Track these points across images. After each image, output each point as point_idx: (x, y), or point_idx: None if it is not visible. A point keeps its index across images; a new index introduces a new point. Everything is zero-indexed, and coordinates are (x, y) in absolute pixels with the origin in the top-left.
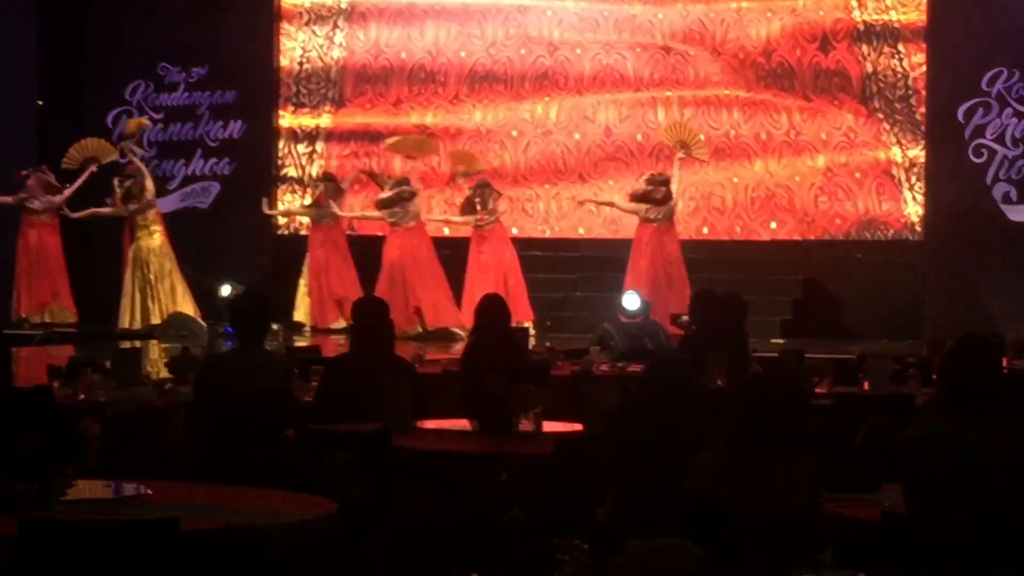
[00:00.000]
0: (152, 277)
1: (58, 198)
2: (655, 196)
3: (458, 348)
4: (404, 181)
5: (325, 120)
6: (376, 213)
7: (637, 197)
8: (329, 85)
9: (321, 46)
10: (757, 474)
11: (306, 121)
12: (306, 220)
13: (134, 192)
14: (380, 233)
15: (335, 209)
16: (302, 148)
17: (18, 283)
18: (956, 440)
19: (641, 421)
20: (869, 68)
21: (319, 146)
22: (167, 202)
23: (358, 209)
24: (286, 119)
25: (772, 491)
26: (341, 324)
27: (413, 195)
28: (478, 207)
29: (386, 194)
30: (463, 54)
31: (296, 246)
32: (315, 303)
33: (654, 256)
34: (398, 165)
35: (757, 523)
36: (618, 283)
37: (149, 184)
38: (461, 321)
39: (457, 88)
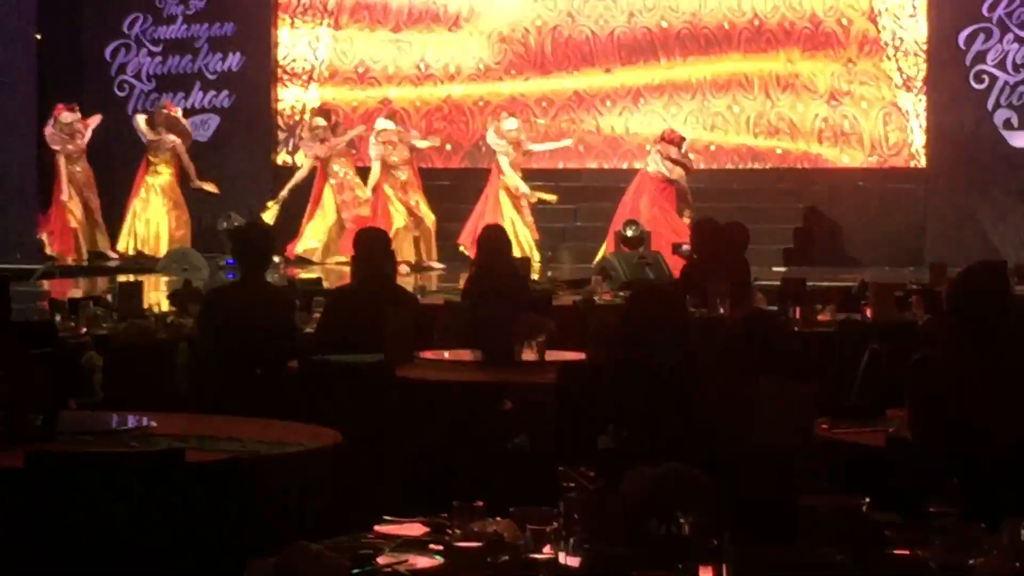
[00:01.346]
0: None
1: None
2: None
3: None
4: None
5: (324, 32)
6: None
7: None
8: (326, 15)
9: None
10: (753, 402)
11: (304, 32)
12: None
13: (158, 121)
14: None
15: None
16: (298, 89)
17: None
18: (961, 364)
19: (628, 348)
20: None
21: (314, 87)
22: None
23: None
24: (281, 48)
25: (768, 419)
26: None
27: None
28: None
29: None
30: None
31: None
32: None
33: (652, 198)
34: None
35: (758, 451)
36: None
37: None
38: None
39: (457, 20)
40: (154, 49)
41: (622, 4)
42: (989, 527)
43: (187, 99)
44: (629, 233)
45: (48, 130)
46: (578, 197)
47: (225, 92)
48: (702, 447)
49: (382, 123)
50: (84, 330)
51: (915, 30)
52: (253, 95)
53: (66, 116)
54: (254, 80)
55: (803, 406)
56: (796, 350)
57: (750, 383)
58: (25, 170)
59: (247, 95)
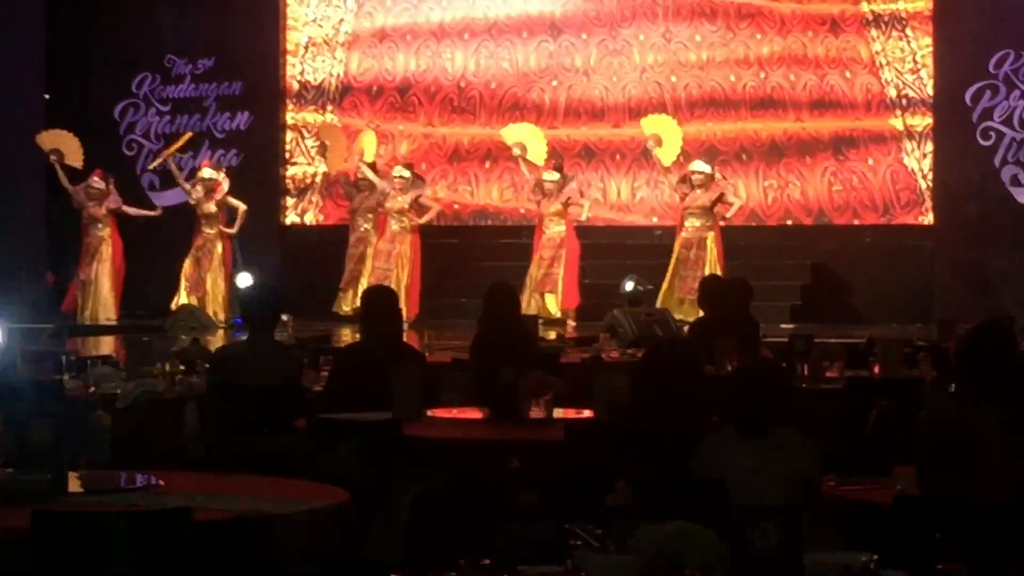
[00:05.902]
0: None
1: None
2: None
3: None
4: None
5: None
6: None
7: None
8: (334, 63)
9: (327, 36)
10: (751, 458)
11: (313, 71)
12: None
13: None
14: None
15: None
16: (308, 140)
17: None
18: (970, 421)
19: (643, 402)
20: (878, 48)
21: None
22: (175, 195)
23: None
24: (292, 106)
25: (766, 474)
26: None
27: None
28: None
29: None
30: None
31: (303, 237)
32: None
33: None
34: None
35: (766, 507)
36: (626, 270)
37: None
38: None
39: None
40: (162, 108)
41: (634, 60)
42: None
43: (195, 158)
44: (627, 289)
45: (76, 188)
46: (585, 255)
47: (234, 151)
48: (709, 504)
49: (399, 170)
50: (92, 389)
51: (921, 87)
52: (261, 153)
53: (96, 181)
54: (262, 139)
55: (810, 461)
56: (801, 401)
57: (757, 435)
58: (33, 229)
59: (255, 153)
